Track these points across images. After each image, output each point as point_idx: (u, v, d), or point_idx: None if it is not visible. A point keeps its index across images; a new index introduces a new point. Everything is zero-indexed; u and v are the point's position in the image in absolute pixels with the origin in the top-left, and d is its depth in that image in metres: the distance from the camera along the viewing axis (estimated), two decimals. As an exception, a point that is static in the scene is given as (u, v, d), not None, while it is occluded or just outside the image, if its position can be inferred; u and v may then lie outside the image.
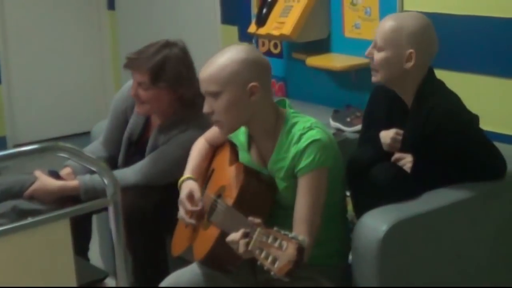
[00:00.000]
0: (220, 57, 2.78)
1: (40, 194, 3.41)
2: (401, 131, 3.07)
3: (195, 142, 3.25)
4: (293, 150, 2.77)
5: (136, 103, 3.51)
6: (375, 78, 3.09)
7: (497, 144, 3.11)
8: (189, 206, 2.95)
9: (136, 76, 3.43)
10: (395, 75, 3.04)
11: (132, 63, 3.44)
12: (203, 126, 3.29)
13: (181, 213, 2.98)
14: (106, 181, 2.38)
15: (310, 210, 2.73)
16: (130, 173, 3.45)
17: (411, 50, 3.00)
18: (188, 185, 3.01)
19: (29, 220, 2.26)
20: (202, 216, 2.94)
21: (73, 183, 3.42)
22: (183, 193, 2.99)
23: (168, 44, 3.47)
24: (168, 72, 3.42)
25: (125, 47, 6.81)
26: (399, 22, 3.03)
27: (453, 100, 3.07)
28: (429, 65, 3.09)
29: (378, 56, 3.04)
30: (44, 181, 3.42)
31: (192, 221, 2.94)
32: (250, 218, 2.49)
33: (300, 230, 2.68)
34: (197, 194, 2.97)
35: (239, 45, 2.90)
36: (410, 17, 3.08)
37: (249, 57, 2.78)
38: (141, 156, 3.52)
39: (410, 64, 3.01)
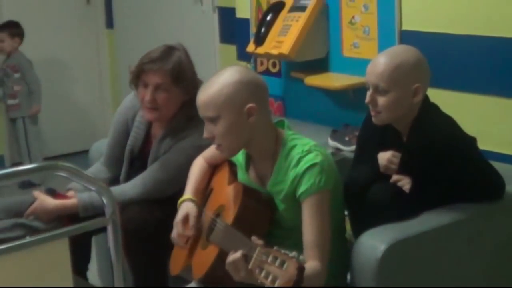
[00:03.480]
0: (214, 81, 2.77)
1: (39, 214, 3.40)
2: (398, 154, 3.06)
3: (195, 148, 3.26)
4: (292, 174, 2.76)
5: (145, 110, 3.46)
6: (378, 120, 3.03)
7: (496, 164, 3.11)
8: (181, 230, 2.95)
9: (155, 78, 3.39)
10: (402, 113, 3.00)
11: (150, 67, 3.40)
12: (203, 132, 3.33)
13: (174, 234, 2.99)
14: (105, 201, 2.39)
15: (318, 234, 2.70)
16: (129, 188, 3.42)
17: (417, 85, 2.96)
18: (185, 207, 3.01)
19: (28, 239, 2.26)
20: (196, 239, 2.94)
21: (71, 201, 3.40)
22: (179, 216, 2.99)
23: (172, 47, 3.47)
24: (186, 72, 3.43)
25: (124, 65, 6.83)
26: (396, 59, 2.97)
27: (449, 124, 3.05)
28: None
29: (384, 100, 2.96)
30: (42, 200, 3.41)
31: (183, 244, 2.96)
32: (254, 238, 2.47)
33: (311, 255, 2.67)
34: (192, 220, 2.97)
35: (233, 67, 2.88)
36: (403, 52, 3.02)
37: (243, 78, 2.76)
38: (143, 171, 3.49)
39: (418, 99, 2.97)
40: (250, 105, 2.74)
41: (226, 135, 2.77)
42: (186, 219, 2.97)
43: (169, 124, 3.48)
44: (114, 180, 3.64)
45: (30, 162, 6.19)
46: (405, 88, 2.96)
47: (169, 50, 3.45)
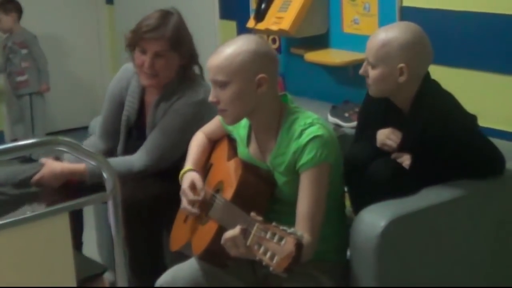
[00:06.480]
0: (230, 47, 2.77)
1: (47, 179, 3.40)
2: (397, 131, 3.07)
3: (189, 106, 3.33)
4: (294, 146, 2.76)
5: (142, 76, 3.45)
6: (370, 91, 3.10)
7: (496, 141, 3.11)
8: (191, 196, 2.94)
9: (154, 46, 3.40)
10: (390, 89, 3.03)
11: (150, 35, 3.40)
12: (197, 91, 3.39)
13: (184, 203, 2.97)
14: (105, 175, 2.37)
15: (313, 206, 2.71)
16: (135, 160, 3.42)
17: (402, 65, 2.96)
18: (189, 176, 3.00)
19: (28, 214, 2.26)
20: (205, 207, 2.94)
21: (79, 166, 3.40)
22: (185, 184, 2.98)
23: (167, 12, 3.49)
24: (184, 37, 3.46)
25: (123, 41, 6.81)
26: (388, 36, 2.98)
27: (450, 101, 3.05)
28: (425, 73, 3.06)
29: (372, 73, 3.01)
30: (50, 165, 3.42)
31: (195, 210, 2.94)
32: (253, 214, 2.48)
33: (303, 226, 2.67)
34: (199, 184, 2.96)
35: (249, 35, 2.90)
36: (400, 30, 3.02)
37: (259, 48, 2.77)
38: (143, 141, 3.49)
39: (403, 79, 2.98)
40: (261, 75, 2.74)
41: (232, 102, 2.77)
42: (192, 186, 2.97)
43: (163, 89, 3.49)
44: (110, 153, 3.63)
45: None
46: (389, 66, 2.98)
47: (165, 15, 3.46)
